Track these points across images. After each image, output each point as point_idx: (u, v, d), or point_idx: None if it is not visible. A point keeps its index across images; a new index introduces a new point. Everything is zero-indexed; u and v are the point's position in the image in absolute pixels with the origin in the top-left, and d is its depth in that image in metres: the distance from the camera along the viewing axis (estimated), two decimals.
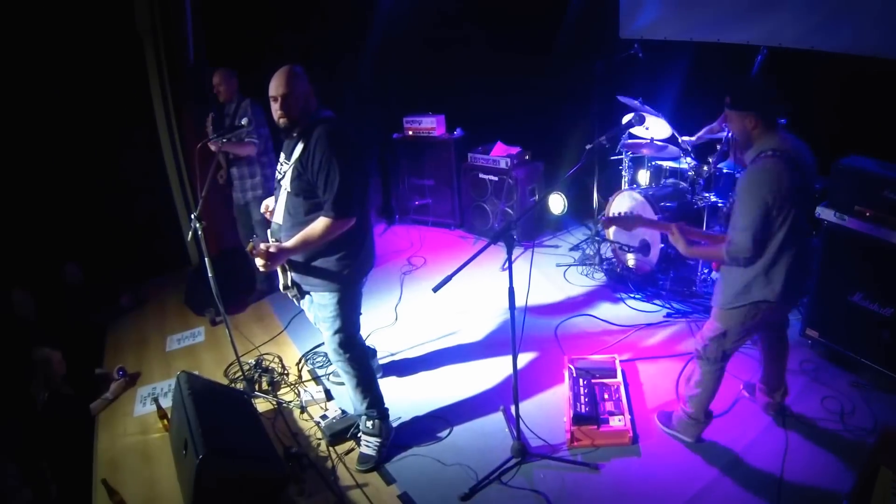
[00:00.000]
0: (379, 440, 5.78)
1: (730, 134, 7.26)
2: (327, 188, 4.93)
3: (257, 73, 5.04)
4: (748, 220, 4.58)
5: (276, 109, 5.02)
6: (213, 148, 7.09)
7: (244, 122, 5.29)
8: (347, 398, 6.02)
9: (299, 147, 5.03)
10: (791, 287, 4.81)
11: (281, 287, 5.53)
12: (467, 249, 10.03)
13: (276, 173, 5.35)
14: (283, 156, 5.29)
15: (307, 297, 5.65)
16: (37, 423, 6.03)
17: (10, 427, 5.91)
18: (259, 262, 5.01)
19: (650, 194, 8.14)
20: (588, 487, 5.35)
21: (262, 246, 5.01)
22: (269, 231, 5.45)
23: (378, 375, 6.44)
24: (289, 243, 5.08)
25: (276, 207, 5.35)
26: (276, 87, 4.97)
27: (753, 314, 4.96)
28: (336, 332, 5.49)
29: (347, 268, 5.30)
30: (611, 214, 4.97)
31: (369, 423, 5.80)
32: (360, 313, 5.75)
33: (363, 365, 5.74)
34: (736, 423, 5.65)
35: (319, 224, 5.00)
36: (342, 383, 6.23)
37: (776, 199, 4.53)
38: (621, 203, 8.50)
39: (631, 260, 8.57)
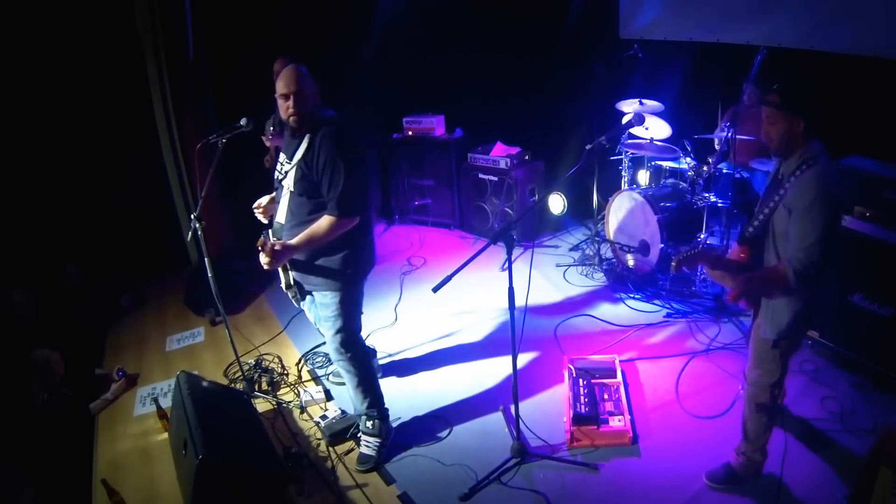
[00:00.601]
0: (378, 440, 5.78)
1: (730, 134, 7.26)
2: (332, 187, 4.95)
3: (258, 73, 5.03)
4: (818, 231, 4.11)
5: (288, 107, 5.00)
6: (266, 143, 7.28)
7: (242, 122, 5.28)
8: (347, 398, 6.03)
9: (303, 147, 5.03)
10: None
11: (283, 286, 5.53)
12: (467, 250, 10.03)
13: (277, 173, 5.33)
14: (282, 156, 5.29)
15: (308, 297, 5.66)
16: (37, 423, 6.03)
17: (10, 427, 5.91)
18: (263, 259, 5.01)
19: (650, 194, 8.15)
20: (588, 487, 5.35)
21: (271, 241, 5.02)
22: (270, 230, 5.43)
23: (378, 376, 6.43)
24: (293, 241, 5.07)
25: (278, 207, 5.34)
26: (287, 84, 4.98)
27: (798, 344, 4.82)
28: (338, 332, 5.49)
29: (350, 266, 5.30)
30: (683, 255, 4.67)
31: (369, 424, 5.80)
32: (362, 312, 5.75)
33: (364, 364, 5.74)
34: (735, 424, 5.63)
35: (324, 222, 5.02)
36: (342, 383, 6.28)
37: (841, 207, 4.41)
38: (621, 203, 8.52)
39: (631, 260, 8.58)
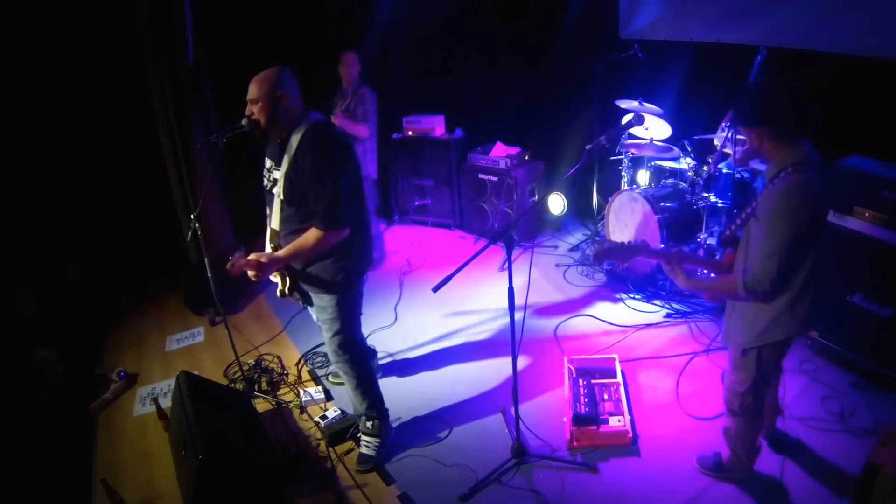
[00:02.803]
0: (378, 440, 5.78)
1: (730, 134, 7.25)
2: (318, 200, 4.86)
3: (258, 73, 5.00)
4: (775, 246, 3.98)
5: (251, 112, 4.94)
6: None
7: (243, 122, 5.26)
8: (347, 398, 6.02)
9: (288, 155, 4.94)
10: (810, 316, 4.43)
11: (278, 294, 5.51)
12: (467, 250, 10.03)
13: (265, 180, 5.28)
14: (269, 161, 5.24)
15: (310, 299, 5.65)
16: (37, 423, 6.02)
17: (10, 427, 5.91)
18: (250, 273, 4.99)
19: (650, 194, 8.14)
20: (587, 488, 5.35)
21: (253, 256, 4.97)
22: (266, 237, 5.43)
23: (377, 376, 6.42)
24: (280, 253, 5.04)
25: (271, 214, 5.30)
26: (250, 89, 4.93)
27: (777, 353, 4.63)
28: (336, 334, 5.48)
29: (343, 271, 5.25)
30: (604, 246, 4.62)
31: (369, 424, 5.79)
32: (361, 313, 5.73)
33: (363, 366, 5.73)
34: None
35: (311, 236, 4.93)
36: (341, 383, 6.24)
37: (810, 222, 4.02)
38: (621, 203, 8.51)
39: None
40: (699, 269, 5.35)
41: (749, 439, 5.06)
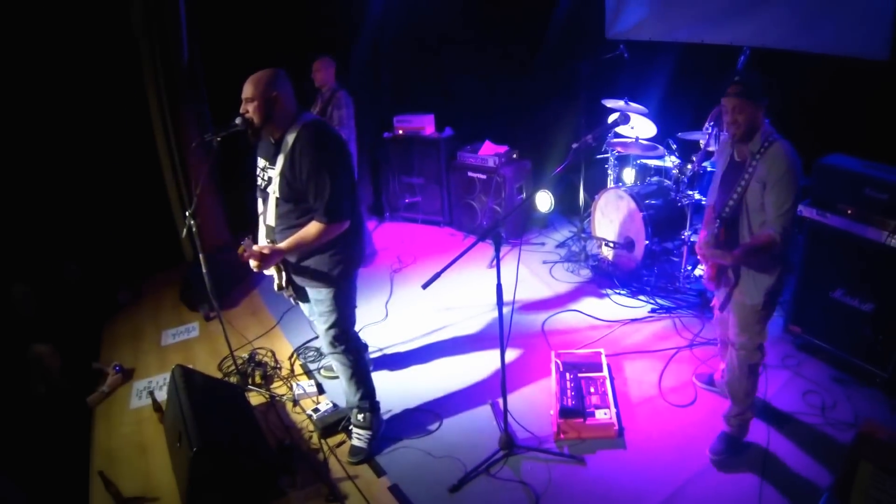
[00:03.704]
0: (369, 433, 5.78)
1: (716, 133, 7.24)
2: (318, 196, 4.86)
3: (252, 73, 4.97)
4: (790, 200, 4.59)
5: (246, 111, 4.91)
6: None
7: (237, 121, 5.23)
8: (339, 392, 6.02)
9: (283, 154, 4.92)
10: None
11: (276, 287, 5.48)
12: (456, 246, 10.00)
13: (259, 179, 5.26)
14: (262, 161, 5.22)
15: (304, 295, 5.63)
16: (35, 417, 6.00)
17: (9, 420, 5.89)
18: (252, 262, 4.96)
19: (635, 192, 8.16)
20: (574, 479, 5.35)
21: (256, 247, 4.96)
22: (262, 232, 5.42)
23: (369, 370, 6.43)
24: (283, 245, 5.02)
25: (266, 211, 5.27)
26: (245, 89, 4.90)
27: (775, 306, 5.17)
28: (331, 327, 5.46)
29: (340, 265, 5.24)
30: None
31: (360, 416, 5.79)
32: (356, 306, 5.72)
33: (357, 357, 5.72)
34: (719, 418, 5.62)
35: (312, 229, 4.95)
36: (334, 377, 6.31)
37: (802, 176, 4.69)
38: (607, 201, 8.52)
39: (610, 254, 8.60)
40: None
41: (756, 390, 5.33)
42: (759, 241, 4.73)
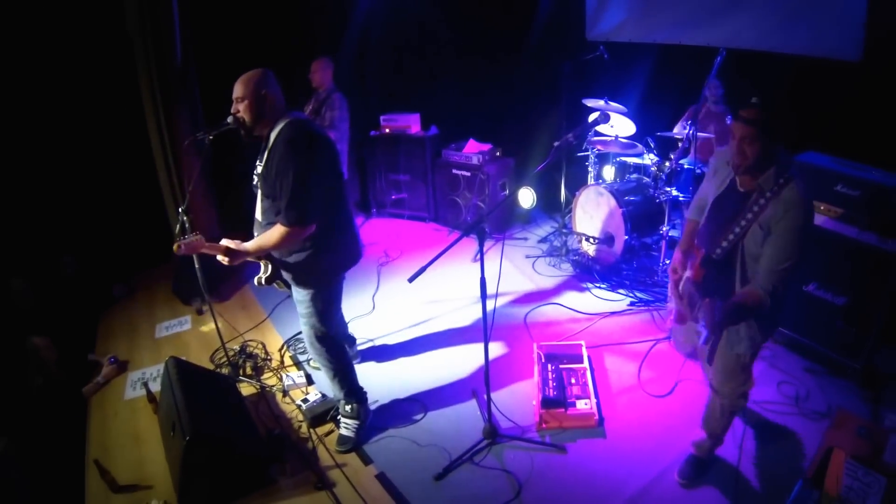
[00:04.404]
0: (357, 422, 5.80)
1: (690, 131, 7.27)
2: (282, 196, 4.78)
3: (243, 73, 4.98)
4: (794, 254, 3.92)
5: (236, 110, 4.94)
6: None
7: (229, 120, 5.22)
8: (327, 382, 6.00)
9: (266, 151, 4.94)
10: None
11: (255, 281, 5.47)
12: (441, 241, 9.97)
13: (255, 176, 5.26)
14: (257, 159, 5.24)
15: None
16: (33, 407, 6.01)
17: (8, 410, 5.90)
18: (220, 257, 5.00)
19: (615, 189, 8.19)
20: (555, 467, 5.37)
21: (224, 242, 4.96)
22: (254, 226, 5.43)
23: (356, 361, 6.48)
24: (247, 245, 5.01)
25: (256, 204, 5.27)
26: (236, 88, 4.91)
27: None
28: (311, 327, 5.49)
29: (318, 267, 5.23)
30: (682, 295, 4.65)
31: (348, 407, 5.81)
32: (339, 308, 5.77)
33: (339, 357, 5.73)
34: (696, 408, 5.65)
35: (274, 231, 4.87)
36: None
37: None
38: (588, 197, 8.54)
39: (591, 249, 8.63)
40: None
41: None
42: (746, 300, 4.06)
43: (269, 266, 5.35)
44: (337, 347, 5.72)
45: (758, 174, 4.09)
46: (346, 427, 5.81)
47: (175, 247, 4.79)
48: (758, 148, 3.99)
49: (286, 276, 5.37)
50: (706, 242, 4.44)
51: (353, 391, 5.86)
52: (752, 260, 4.13)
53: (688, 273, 4.64)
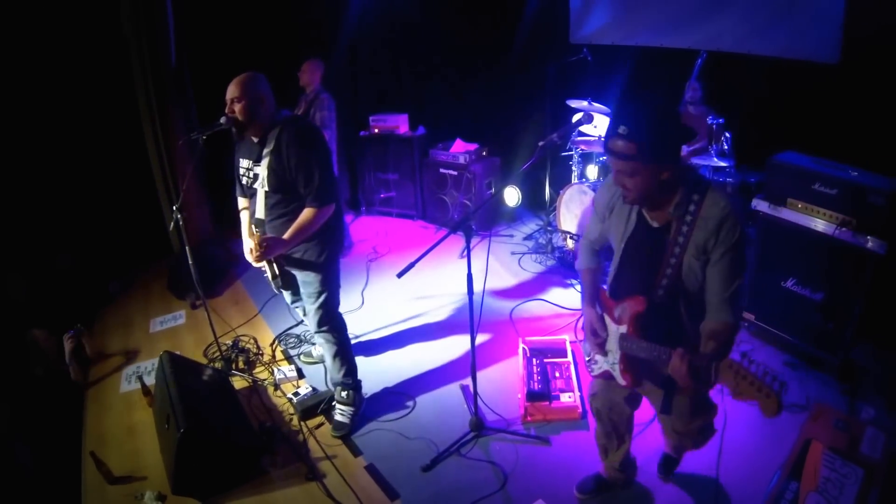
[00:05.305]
0: (352, 409, 5.87)
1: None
2: (308, 183, 4.99)
3: (236, 74, 4.97)
4: (741, 269, 3.42)
5: (233, 111, 5.02)
6: None
7: (222, 120, 5.22)
8: (318, 377, 6.10)
9: (268, 150, 5.04)
10: None
11: (269, 277, 5.51)
12: (429, 239, 9.99)
13: (245, 178, 5.35)
14: (246, 161, 5.32)
15: (292, 288, 5.79)
16: (34, 399, 6.01)
17: (9, 401, 5.89)
18: (255, 252, 5.05)
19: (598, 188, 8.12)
20: (540, 458, 5.38)
21: (257, 237, 5.03)
22: (243, 228, 5.45)
23: None
24: (285, 235, 5.10)
25: (255, 206, 5.32)
26: (231, 90, 5.00)
27: None
28: (319, 307, 5.55)
29: (325, 251, 5.36)
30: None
31: (344, 394, 5.87)
32: (339, 285, 5.77)
33: (342, 335, 5.82)
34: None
35: (308, 215, 5.07)
36: (313, 363, 6.53)
37: None
38: (572, 196, 8.52)
39: (574, 246, 8.64)
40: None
41: None
42: (718, 337, 3.46)
43: (274, 265, 5.37)
44: (341, 325, 5.84)
45: (665, 203, 3.52)
46: (342, 413, 5.85)
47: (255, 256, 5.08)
48: (640, 180, 3.38)
49: (293, 268, 5.46)
50: (630, 290, 3.83)
51: (351, 372, 5.92)
52: (696, 290, 3.54)
53: (622, 329, 3.91)
